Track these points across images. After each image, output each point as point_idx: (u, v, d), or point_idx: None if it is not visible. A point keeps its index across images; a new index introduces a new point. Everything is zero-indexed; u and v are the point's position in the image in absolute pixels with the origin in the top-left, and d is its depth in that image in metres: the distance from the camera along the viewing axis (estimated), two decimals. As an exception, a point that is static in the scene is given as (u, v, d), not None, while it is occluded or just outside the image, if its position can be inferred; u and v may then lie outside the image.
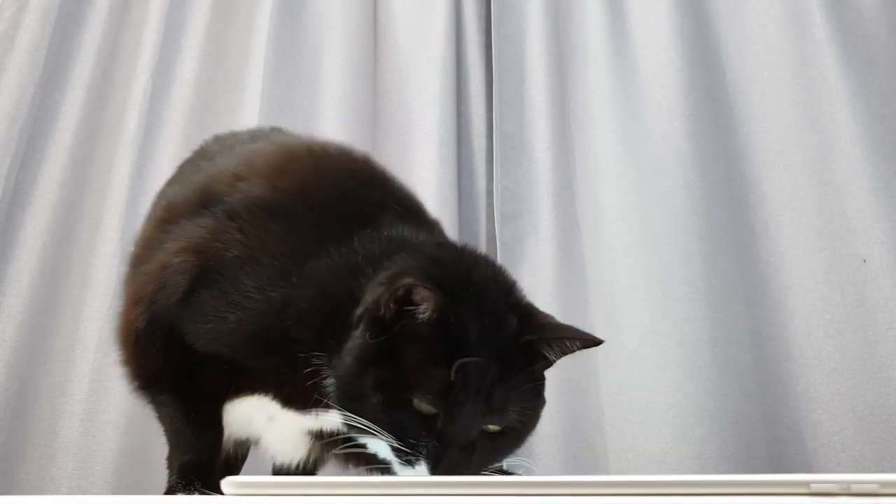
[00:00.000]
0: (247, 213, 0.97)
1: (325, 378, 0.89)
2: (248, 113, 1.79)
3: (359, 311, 0.86)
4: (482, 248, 1.67)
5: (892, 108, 1.52)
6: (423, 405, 0.82)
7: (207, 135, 1.78)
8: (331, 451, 0.99)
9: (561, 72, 1.75)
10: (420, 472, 0.82)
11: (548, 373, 1.49)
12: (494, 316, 0.86)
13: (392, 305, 0.83)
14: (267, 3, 1.87)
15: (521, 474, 0.96)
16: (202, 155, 1.27)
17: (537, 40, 1.77)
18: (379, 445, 0.85)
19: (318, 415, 0.93)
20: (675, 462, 1.42)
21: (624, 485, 0.62)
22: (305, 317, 0.90)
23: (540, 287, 1.58)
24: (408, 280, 0.82)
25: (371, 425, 0.83)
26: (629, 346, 1.51)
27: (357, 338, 0.85)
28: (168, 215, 1.07)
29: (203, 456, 0.96)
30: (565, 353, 0.91)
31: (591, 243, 1.61)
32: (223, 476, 0.73)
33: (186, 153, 1.75)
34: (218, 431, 0.99)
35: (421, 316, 0.83)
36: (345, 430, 0.88)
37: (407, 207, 1.04)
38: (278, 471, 1.12)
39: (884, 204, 1.45)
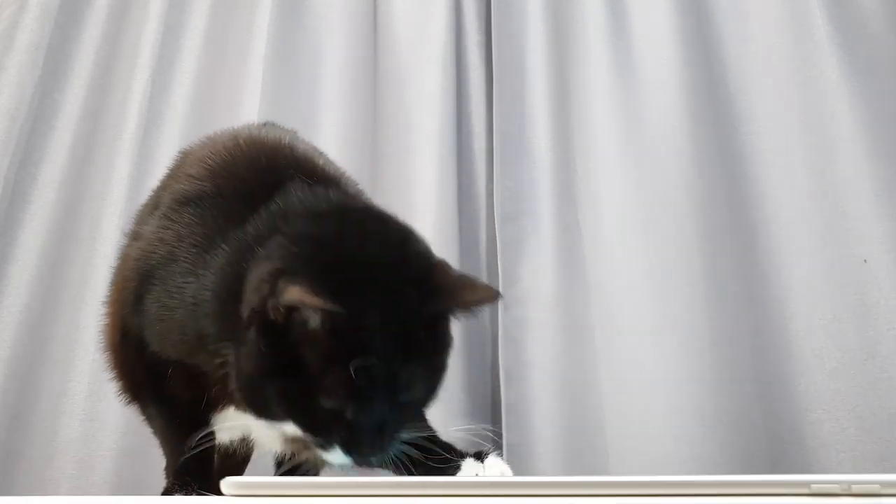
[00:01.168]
0: (169, 210, 0.97)
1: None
2: (247, 112, 1.79)
3: (245, 310, 0.82)
4: (482, 248, 1.68)
5: (893, 107, 1.52)
6: (327, 403, 0.79)
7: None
8: None
9: (561, 72, 1.75)
10: (337, 456, 0.82)
11: (548, 373, 1.51)
12: (393, 293, 0.82)
13: (280, 311, 0.79)
14: (267, 3, 1.87)
15: (489, 449, 0.95)
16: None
17: (537, 40, 1.76)
18: (292, 429, 0.83)
19: None
20: (675, 462, 1.42)
21: (624, 485, 0.62)
22: (209, 306, 0.88)
23: (540, 287, 1.58)
24: (294, 293, 0.76)
25: (281, 425, 0.82)
26: (629, 346, 1.51)
27: (250, 344, 0.81)
28: (136, 224, 1.10)
29: (197, 459, 0.94)
30: (469, 312, 0.88)
31: (592, 243, 1.61)
32: (227, 475, 0.73)
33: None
34: (208, 433, 0.96)
35: (312, 324, 0.78)
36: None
37: (309, 172, 0.98)
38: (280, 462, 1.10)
39: (884, 204, 1.45)
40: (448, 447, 0.95)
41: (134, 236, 1.06)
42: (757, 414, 1.44)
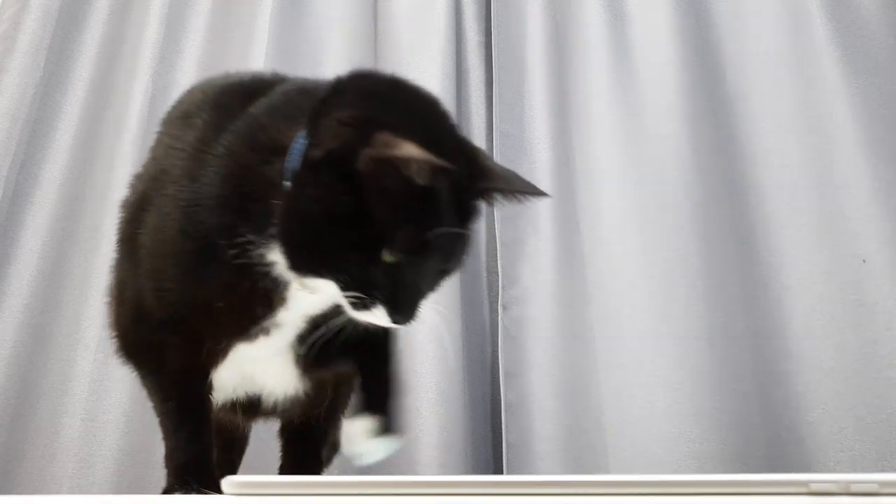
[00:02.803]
0: (160, 135, 1.00)
1: (257, 251, 0.86)
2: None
3: (316, 153, 0.81)
4: (482, 248, 1.68)
5: (892, 108, 1.53)
6: (389, 257, 0.80)
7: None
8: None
9: (561, 72, 1.75)
10: (375, 315, 0.82)
11: (548, 372, 1.51)
12: (457, 165, 0.83)
13: (372, 162, 0.78)
14: (267, 3, 1.87)
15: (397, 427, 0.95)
16: None
17: (537, 40, 1.77)
18: (324, 286, 0.83)
19: (276, 314, 0.91)
20: (674, 461, 1.42)
21: (623, 484, 0.63)
22: (216, 202, 0.87)
23: (539, 287, 1.58)
24: (411, 149, 0.76)
25: (331, 278, 0.81)
26: (629, 345, 1.52)
27: (317, 186, 0.80)
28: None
29: (197, 453, 0.94)
30: (509, 201, 0.90)
31: (591, 243, 1.61)
32: (225, 467, 0.73)
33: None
34: (205, 421, 0.96)
35: (411, 180, 0.77)
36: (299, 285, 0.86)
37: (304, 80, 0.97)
38: (285, 427, 1.12)
39: (883, 204, 1.46)
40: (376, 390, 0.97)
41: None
42: (755, 413, 1.45)
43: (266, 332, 0.93)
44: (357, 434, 0.92)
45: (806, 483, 0.57)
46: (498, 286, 1.59)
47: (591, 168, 1.66)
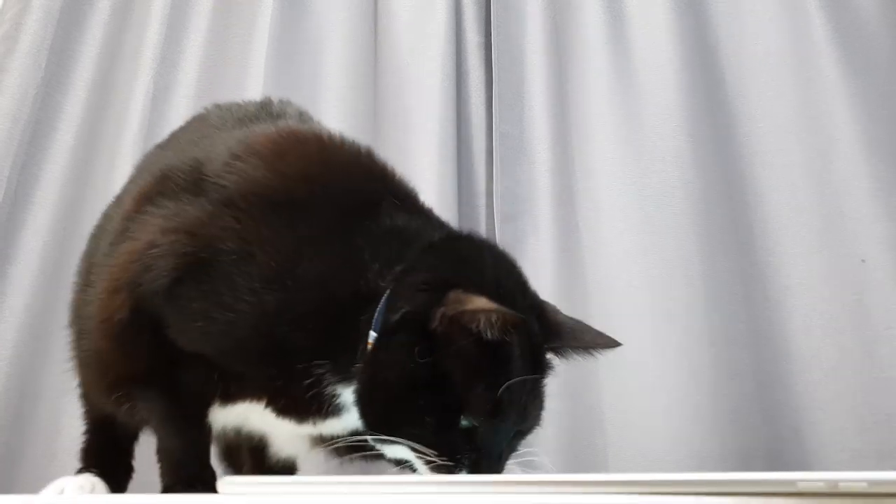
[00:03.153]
0: (244, 201, 0.90)
1: (327, 386, 0.86)
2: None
3: (395, 316, 0.82)
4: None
5: (891, 108, 1.53)
6: (468, 422, 0.81)
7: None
8: (341, 455, 0.96)
9: (561, 72, 1.75)
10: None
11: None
12: (528, 320, 0.85)
13: (446, 321, 0.80)
14: (268, 4, 1.88)
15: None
16: (203, 123, 1.19)
17: (537, 41, 1.76)
18: (405, 453, 0.83)
19: (316, 424, 0.91)
20: (674, 462, 1.42)
21: (614, 483, 0.63)
22: (304, 322, 0.85)
23: (540, 287, 1.57)
24: (483, 303, 0.78)
25: (412, 444, 0.81)
26: (629, 346, 1.50)
27: (399, 350, 0.82)
28: (157, 189, 0.99)
29: (195, 452, 0.96)
30: (587, 353, 0.92)
31: (591, 243, 1.61)
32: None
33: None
34: (207, 426, 0.96)
35: (483, 335, 0.79)
36: (371, 443, 0.85)
37: (403, 197, 0.98)
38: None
39: (882, 204, 1.46)
40: None
41: (153, 198, 0.97)
42: (755, 413, 1.45)
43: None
44: None
45: (794, 482, 0.57)
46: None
47: (591, 168, 1.66)
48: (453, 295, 0.80)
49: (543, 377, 0.88)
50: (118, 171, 1.75)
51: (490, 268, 0.89)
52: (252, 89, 1.81)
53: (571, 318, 0.95)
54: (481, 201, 1.72)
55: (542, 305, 0.93)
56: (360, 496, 0.71)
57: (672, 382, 1.47)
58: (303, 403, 0.88)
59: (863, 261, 1.45)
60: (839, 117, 1.52)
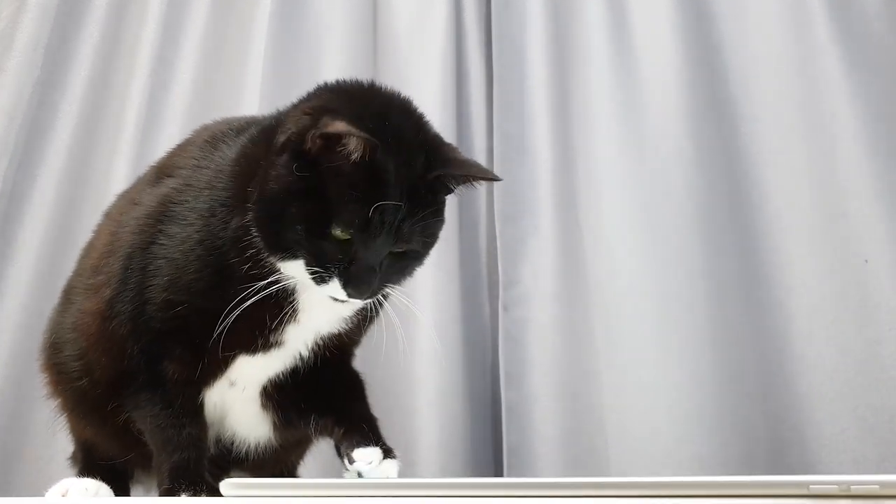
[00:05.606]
0: (179, 155, 1.06)
1: (266, 258, 0.92)
2: (247, 112, 1.79)
3: (281, 138, 0.92)
4: (482, 248, 1.68)
5: (894, 107, 1.52)
6: (339, 234, 0.88)
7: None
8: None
9: (561, 71, 1.75)
10: (333, 289, 0.90)
11: (548, 373, 1.50)
12: (408, 153, 0.91)
13: (319, 141, 0.88)
14: (266, 3, 1.87)
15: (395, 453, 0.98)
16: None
17: (537, 40, 1.76)
18: (296, 269, 0.91)
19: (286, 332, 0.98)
20: (675, 463, 1.42)
21: (623, 486, 0.62)
22: (228, 203, 0.94)
23: (540, 287, 1.58)
24: (340, 125, 0.85)
25: (296, 254, 0.89)
26: (630, 346, 1.51)
27: (281, 167, 0.90)
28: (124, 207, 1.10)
29: (191, 453, 0.96)
30: (466, 185, 0.99)
31: (592, 243, 1.61)
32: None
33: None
34: (201, 425, 1.00)
35: (349, 157, 0.87)
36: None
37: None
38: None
39: (885, 204, 1.45)
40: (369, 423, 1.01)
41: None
42: (758, 414, 1.44)
43: (270, 347, 0.99)
44: (370, 461, 0.94)
45: (806, 484, 0.57)
46: (498, 287, 1.59)
47: (592, 168, 1.66)
48: (324, 119, 0.88)
49: (425, 207, 0.93)
50: (115, 169, 1.75)
51: (381, 106, 0.96)
52: (250, 88, 1.81)
53: (464, 157, 1.01)
54: (481, 201, 1.71)
55: (436, 143, 0.98)
56: (361, 498, 0.71)
57: (673, 383, 1.47)
58: (262, 306, 0.92)
59: (866, 261, 1.44)
60: (842, 116, 1.52)
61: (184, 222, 0.96)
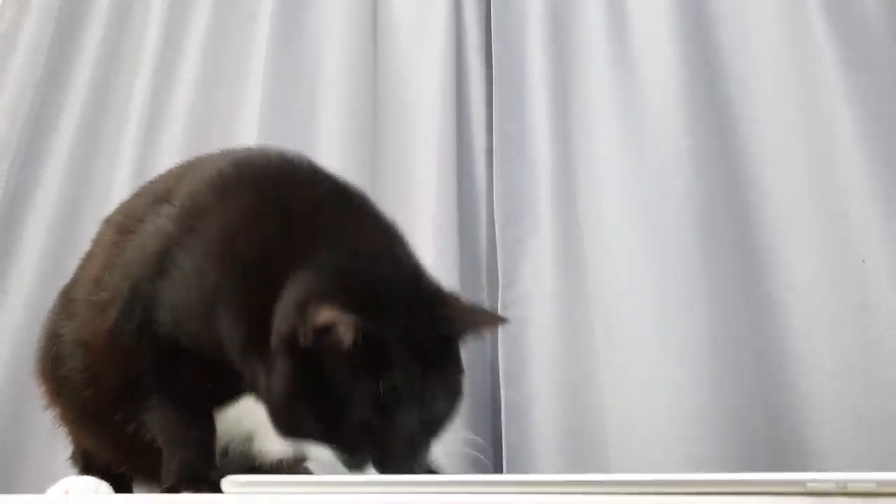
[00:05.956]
0: (186, 196, 0.99)
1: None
2: (248, 112, 1.80)
3: (274, 340, 0.86)
4: (482, 248, 1.68)
5: (893, 107, 1.52)
6: (361, 419, 0.83)
7: (209, 134, 1.80)
8: None
9: (561, 72, 1.75)
10: (371, 472, 0.85)
11: (548, 373, 1.51)
12: (409, 315, 0.88)
13: (311, 334, 0.83)
14: (268, 3, 1.88)
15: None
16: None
17: (537, 40, 1.76)
18: (324, 453, 0.87)
19: None
20: (675, 462, 1.42)
21: (621, 483, 0.62)
22: (234, 314, 0.91)
23: (540, 287, 1.58)
24: (324, 315, 0.81)
25: (316, 443, 0.85)
26: (630, 346, 1.51)
27: (279, 370, 0.86)
28: (124, 223, 1.07)
29: (199, 453, 0.95)
30: (477, 333, 0.98)
31: (592, 243, 1.61)
32: None
33: (188, 153, 1.76)
34: (211, 425, 0.98)
35: (343, 343, 0.82)
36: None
37: (336, 192, 1.03)
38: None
39: (884, 204, 1.45)
40: None
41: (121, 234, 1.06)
42: (757, 414, 1.44)
43: None
44: None
45: (803, 482, 0.57)
46: (498, 286, 1.59)
47: (592, 168, 1.66)
48: (309, 310, 0.83)
49: (439, 363, 0.89)
50: (118, 170, 1.76)
51: (368, 273, 0.92)
52: (251, 89, 1.82)
53: (469, 303, 0.99)
54: (482, 201, 1.72)
55: (436, 296, 0.94)
56: (365, 495, 0.71)
57: (673, 383, 1.47)
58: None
59: (863, 261, 1.44)
60: (841, 116, 1.52)
61: (187, 277, 0.93)
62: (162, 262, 0.95)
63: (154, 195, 1.07)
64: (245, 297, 0.91)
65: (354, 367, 0.83)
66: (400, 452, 0.85)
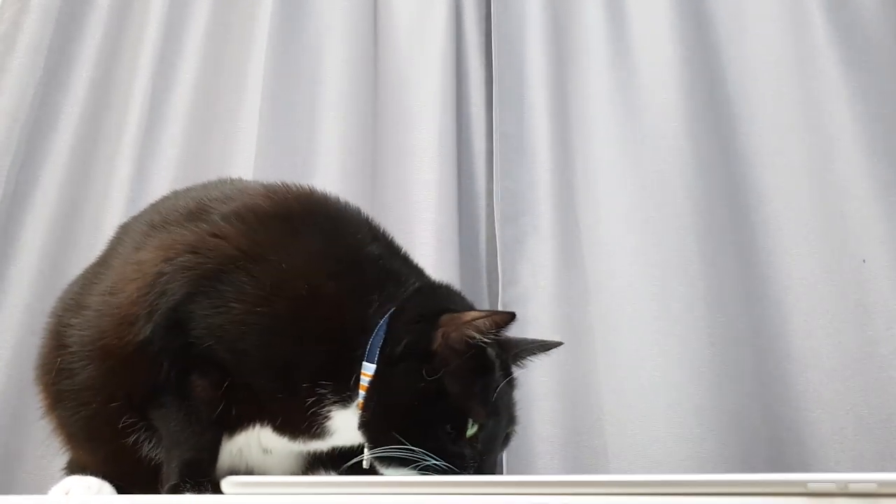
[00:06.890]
0: (241, 218, 0.99)
1: (325, 407, 0.93)
2: (248, 112, 1.80)
3: (398, 348, 0.92)
4: (482, 248, 1.68)
5: (892, 107, 1.52)
6: (472, 429, 0.90)
7: (209, 134, 1.80)
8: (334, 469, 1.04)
9: (561, 72, 1.75)
10: None
11: (548, 373, 1.51)
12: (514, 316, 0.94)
13: (448, 339, 0.91)
14: (268, 3, 1.88)
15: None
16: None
17: (537, 40, 1.77)
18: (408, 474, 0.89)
19: (305, 442, 0.98)
20: (674, 462, 1.42)
21: (620, 484, 0.62)
22: (313, 341, 0.93)
23: (540, 287, 1.58)
24: (469, 316, 0.91)
25: (422, 453, 0.87)
26: (629, 346, 1.51)
27: (404, 375, 0.91)
28: (156, 221, 1.06)
29: (203, 454, 0.95)
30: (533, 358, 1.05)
31: (591, 243, 1.61)
32: None
33: (188, 154, 1.77)
34: (218, 433, 0.98)
35: (475, 349, 0.91)
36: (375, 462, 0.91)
37: (388, 242, 1.08)
38: None
39: (883, 204, 1.45)
40: None
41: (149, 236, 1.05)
42: (756, 414, 1.44)
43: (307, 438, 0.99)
44: None
45: (804, 483, 0.57)
46: (498, 286, 1.59)
47: (591, 168, 1.66)
48: (445, 317, 0.92)
49: (511, 380, 0.98)
50: (118, 170, 1.75)
51: (462, 301, 1.04)
52: (252, 89, 1.82)
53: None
54: (481, 201, 1.72)
55: None
56: (364, 496, 0.71)
57: (672, 382, 1.47)
58: (300, 421, 0.95)
59: (863, 261, 1.44)
60: (840, 117, 1.52)
61: (246, 301, 0.93)
62: (208, 282, 0.94)
63: (188, 212, 1.05)
64: (320, 328, 0.94)
65: (477, 372, 0.92)
66: (493, 463, 0.92)
